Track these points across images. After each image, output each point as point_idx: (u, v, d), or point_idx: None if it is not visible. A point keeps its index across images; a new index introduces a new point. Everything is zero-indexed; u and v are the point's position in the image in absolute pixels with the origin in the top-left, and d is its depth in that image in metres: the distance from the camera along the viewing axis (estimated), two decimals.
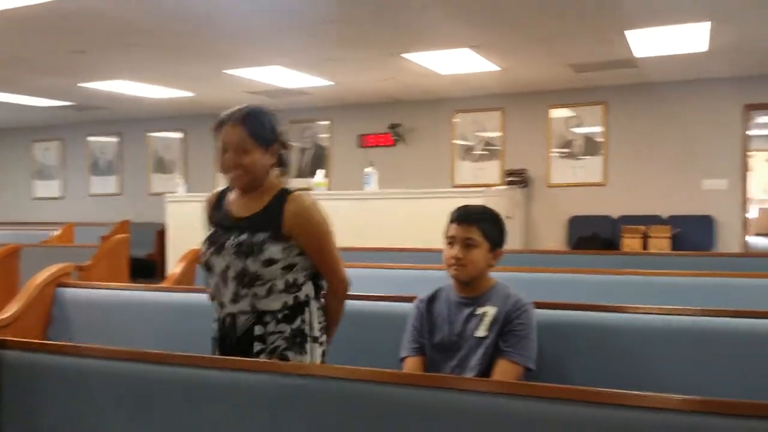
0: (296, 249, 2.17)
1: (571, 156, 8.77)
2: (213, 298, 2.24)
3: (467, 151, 9.32)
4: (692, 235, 7.94)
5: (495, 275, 2.49)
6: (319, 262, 2.22)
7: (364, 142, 9.71)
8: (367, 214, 6.52)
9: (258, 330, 2.15)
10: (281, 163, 2.27)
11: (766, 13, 5.43)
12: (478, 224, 2.40)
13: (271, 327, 2.15)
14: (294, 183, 2.31)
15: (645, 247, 7.72)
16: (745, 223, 8.21)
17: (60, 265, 3.32)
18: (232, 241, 2.15)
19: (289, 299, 2.17)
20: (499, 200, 6.97)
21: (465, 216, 2.42)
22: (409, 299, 2.60)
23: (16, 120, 11.50)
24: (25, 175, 12.40)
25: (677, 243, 7.72)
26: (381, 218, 6.45)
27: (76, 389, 2.10)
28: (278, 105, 9.61)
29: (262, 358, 2.13)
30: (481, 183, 8.78)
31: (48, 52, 6.58)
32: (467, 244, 2.38)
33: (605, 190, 8.60)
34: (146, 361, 2.03)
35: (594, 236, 8.20)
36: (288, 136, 2.28)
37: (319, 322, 2.25)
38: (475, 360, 2.32)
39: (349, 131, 9.91)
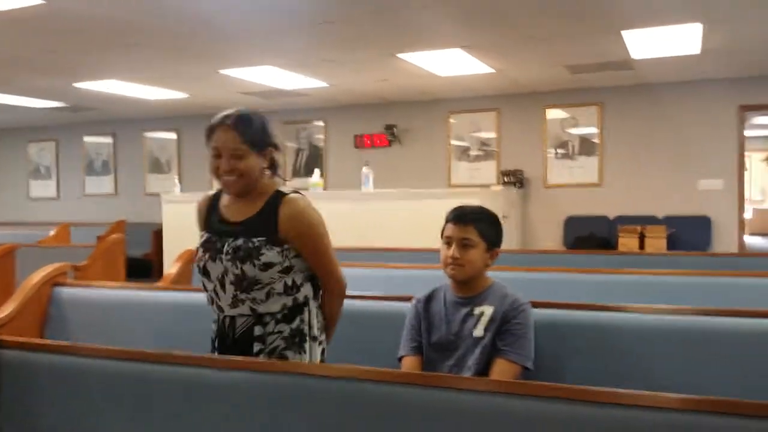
0: (293, 251, 2.16)
1: (567, 156, 8.78)
2: (211, 302, 2.23)
3: (463, 151, 9.33)
4: (688, 235, 7.95)
5: (492, 275, 2.50)
6: (315, 263, 2.22)
7: (360, 142, 9.70)
8: (363, 215, 6.52)
9: (257, 330, 2.15)
10: (272, 165, 2.25)
11: (758, 14, 5.45)
12: (475, 224, 2.40)
13: (270, 327, 2.15)
14: (287, 184, 2.29)
15: (641, 247, 7.73)
16: (741, 223, 8.23)
17: (56, 265, 3.31)
18: (228, 247, 2.14)
19: (288, 301, 2.17)
20: (495, 200, 6.98)
21: (462, 216, 2.42)
22: (407, 299, 2.60)
23: (12, 120, 11.48)
24: (21, 175, 12.38)
25: (673, 243, 7.73)
26: (377, 219, 6.45)
27: (74, 389, 2.10)
28: (273, 106, 9.62)
29: (262, 359, 2.13)
30: (477, 183, 8.79)
31: (43, 52, 6.57)
32: (464, 244, 2.38)
33: (601, 191, 8.62)
34: (145, 360, 2.03)
35: (591, 236, 8.22)
36: (278, 137, 2.27)
37: (319, 321, 2.25)
38: (472, 359, 2.33)
39: (344, 132, 9.90)
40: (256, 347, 2.14)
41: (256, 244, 2.11)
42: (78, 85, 8.16)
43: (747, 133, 9.28)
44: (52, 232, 8.36)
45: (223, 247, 2.15)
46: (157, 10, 5.18)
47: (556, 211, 8.79)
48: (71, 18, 5.32)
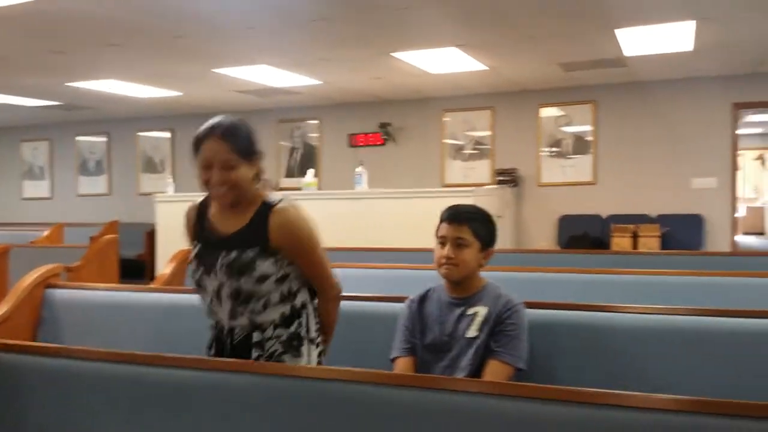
0: (286, 259, 2.15)
1: (560, 155, 8.79)
2: (209, 314, 2.22)
3: (457, 150, 9.33)
4: (681, 234, 7.97)
5: (486, 275, 2.49)
6: (308, 270, 2.20)
7: (354, 141, 9.69)
8: (357, 214, 6.52)
9: (256, 336, 2.14)
10: (258, 173, 2.20)
11: (750, 12, 5.46)
12: (469, 224, 2.40)
13: (269, 333, 2.15)
14: (274, 194, 2.22)
15: (635, 246, 7.75)
16: (735, 222, 8.25)
17: (49, 266, 3.29)
18: (222, 261, 2.12)
19: (286, 309, 2.16)
20: (489, 199, 6.98)
21: (456, 215, 2.42)
22: (400, 299, 2.59)
23: (4, 120, 11.43)
24: (13, 175, 12.32)
25: (666, 242, 7.75)
26: (371, 218, 6.45)
27: (67, 391, 2.09)
28: (268, 104, 9.61)
29: None
30: (471, 182, 8.79)
31: (35, 51, 6.54)
32: (458, 244, 2.38)
33: (595, 189, 8.63)
34: (138, 363, 2.02)
35: (584, 235, 8.23)
36: (260, 144, 2.20)
37: (316, 323, 2.24)
38: (465, 360, 2.32)
39: (338, 130, 9.89)
40: (255, 353, 2.14)
41: (251, 256, 2.10)
42: (71, 84, 8.13)
43: (740, 131, 9.29)
44: (45, 233, 8.33)
45: (217, 260, 2.13)
46: (151, 8, 5.16)
47: (549, 210, 8.80)
48: (62, 16, 5.30)
